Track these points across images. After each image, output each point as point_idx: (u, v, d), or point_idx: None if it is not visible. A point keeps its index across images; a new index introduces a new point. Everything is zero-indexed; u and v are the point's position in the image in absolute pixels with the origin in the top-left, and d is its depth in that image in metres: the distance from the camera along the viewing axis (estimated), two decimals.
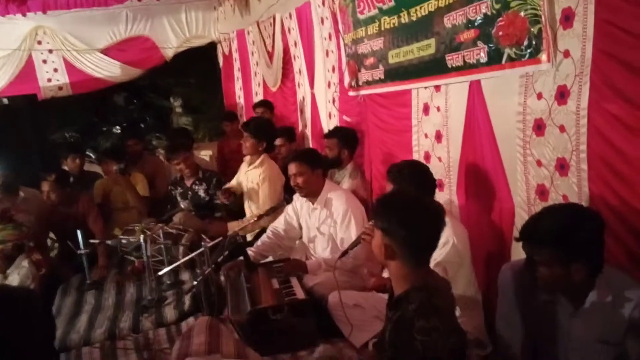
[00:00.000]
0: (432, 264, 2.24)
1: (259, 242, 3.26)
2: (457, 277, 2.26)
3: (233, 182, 4.12)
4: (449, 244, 2.24)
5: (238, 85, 7.21)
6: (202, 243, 2.71)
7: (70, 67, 6.84)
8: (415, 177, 2.37)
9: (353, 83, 3.69)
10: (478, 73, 2.34)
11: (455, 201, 2.76)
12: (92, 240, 3.56)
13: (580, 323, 1.66)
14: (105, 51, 6.87)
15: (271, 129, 4.18)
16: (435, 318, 1.46)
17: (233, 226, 3.68)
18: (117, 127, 10.57)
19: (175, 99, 10.58)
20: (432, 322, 1.45)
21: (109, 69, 6.82)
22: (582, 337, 1.66)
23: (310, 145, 4.76)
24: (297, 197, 3.24)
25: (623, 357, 1.61)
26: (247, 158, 4.03)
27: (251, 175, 3.92)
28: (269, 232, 3.31)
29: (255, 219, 3.25)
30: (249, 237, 3.76)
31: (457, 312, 2.22)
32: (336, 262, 2.42)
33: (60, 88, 6.89)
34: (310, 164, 3.00)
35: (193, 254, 2.83)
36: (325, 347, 2.37)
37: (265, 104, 5.37)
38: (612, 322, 1.59)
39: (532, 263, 1.65)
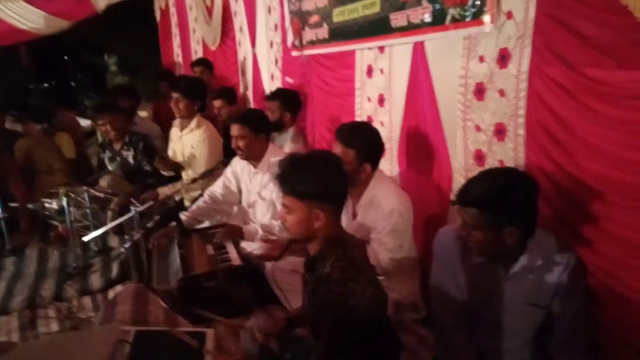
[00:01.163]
0: (382, 235, 2.23)
1: (194, 207, 3.12)
2: (403, 244, 2.25)
3: (169, 153, 3.92)
4: (394, 212, 2.20)
5: (176, 42, 6.86)
6: (132, 207, 2.56)
7: None
8: (366, 139, 2.28)
9: (297, 42, 3.55)
10: (422, 34, 2.28)
11: (396, 166, 2.73)
12: (11, 204, 3.31)
13: (511, 286, 1.67)
14: (30, 0, 6.30)
15: (204, 88, 3.95)
16: (350, 269, 1.45)
17: (164, 191, 3.50)
18: (46, 84, 9.92)
19: (110, 57, 10.01)
20: (347, 273, 1.43)
21: (32, 20, 6.26)
22: (512, 300, 1.67)
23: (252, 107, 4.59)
24: (237, 160, 3.11)
25: (548, 318, 1.65)
26: (178, 122, 3.80)
27: (188, 139, 3.71)
28: (205, 196, 3.17)
29: (189, 182, 3.09)
30: (187, 203, 3.62)
31: (397, 265, 2.23)
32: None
33: None
34: (255, 128, 2.85)
35: (121, 219, 2.67)
36: (260, 314, 2.31)
37: (203, 62, 5.12)
38: (541, 286, 1.62)
39: (466, 227, 1.63)
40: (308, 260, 1.60)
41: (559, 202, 1.74)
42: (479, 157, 2.10)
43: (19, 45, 8.79)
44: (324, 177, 1.53)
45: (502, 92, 1.94)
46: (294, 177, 1.54)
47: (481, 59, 2.02)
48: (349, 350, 1.41)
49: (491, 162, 2.04)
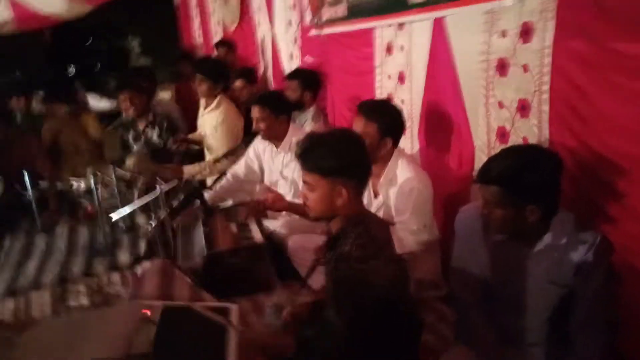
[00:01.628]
0: (405, 217, 2.24)
1: (217, 186, 3.17)
2: (426, 220, 2.25)
3: (196, 134, 3.97)
4: (414, 190, 2.20)
5: (196, 23, 6.87)
6: (157, 186, 2.61)
7: (14, 2, 6.30)
8: (388, 113, 2.29)
9: (315, 21, 3.52)
10: (441, 9, 2.25)
11: (416, 144, 2.72)
12: (41, 184, 3.41)
13: (532, 264, 1.66)
14: None
15: (225, 69, 3.99)
16: (372, 247, 1.44)
17: (189, 170, 3.56)
18: (72, 67, 10.06)
19: (133, 39, 10.09)
20: (369, 250, 1.43)
21: (54, 5, 6.31)
22: (533, 278, 1.66)
23: (272, 88, 4.60)
24: (259, 140, 3.14)
25: (569, 297, 1.64)
26: (203, 101, 3.85)
27: (208, 119, 3.76)
28: (228, 175, 3.21)
29: (212, 162, 3.13)
30: (209, 182, 3.66)
31: (424, 248, 2.23)
32: None
33: (4, 24, 6.38)
34: (275, 109, 2.87)
35: (147, 198, 2.73)
36: (283, 291, 2.35)
37: (226, 43, 5.13)
38: (563, 264, 1.60)
39: (487, 205, 1.63)
40: (330, 239, 1.60)
41: (583, 179, 1.72)
42: (502, 134, 2.08)
43: (43, 31, 8.91)
44: (345, 152, 1.53)
45: (525, 68, 1.90)
46: (315, 153, 1.53)
47: (503, 34, 1.98)
48: (370, 328, 1.41)
49: (514, 139, 2.01)
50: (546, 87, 1.83)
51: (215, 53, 5.06)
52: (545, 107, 1.85)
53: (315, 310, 1.82)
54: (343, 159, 1.52)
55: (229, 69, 4.09)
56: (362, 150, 1.58)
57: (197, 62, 3.99)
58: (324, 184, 1.52)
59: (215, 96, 3.71)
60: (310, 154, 1.55)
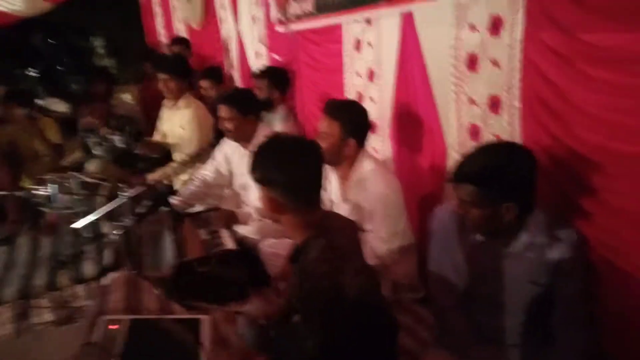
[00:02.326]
0: (375, 223, 2.17)
1: (185, 190, 3.07)
2: (397, 227, 2.20)
3: (157, 137, 3.82)
4: (382, 196, 2.15)
5: (159, 22, 6.69)
6: (122, 193, 2.51)
7: None
8: (352, 113, 2.25)
9: (281, 17, 3.44)
10: (409, 3, 2.20)
11: (387, 143, 2.67)
12: None
13: (510, 264, 1.64)
14: None
15: (188, 65, 3.83)
16: (337, 261, 1.40)
17: (154, 177, 3.45)
18: (33, 69, 9.72)
19: (96, 39, 9.81)
20: (334, 264, 1.38)
21: (11, 1, 6.08)
22: (512, 277, 1.64)
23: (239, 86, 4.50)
24: (226, 142, 3.04)
25: (548, 296, 1.62)
26: (166, 102, 3.71)
27: (177, 119, 3.62)
28: (196, 179, 3.11)
29: (177, 165, 3.02)
30: (177, 187, 3.56)
31: (396, 256, 2.19)
32: None
33: None
34: (242, 109, 2.76)
35: (112, 205, 2.62)
36: (256, 299, 2.28)
37: (182, 41, 4.99)
38: (541, 263, 1.58)
39: (462, 204, 1.59)
40: (291, 252, 1.55)
41: (557, 175, 1.70)
42: (474, 131, 2.05)
43: (2, 31, 8.60)
44: (275, 164, 1.47)
45: (495, 62, 1.87)
46: (256, 158, 1.51)
47: (472, 28, 1.94)
48: (343, 341, 1.37)
49: (487, 137, 1.98)
50: (517, 83, 1.80)
51: (171, 51, 4.91)
52: (517, 103, 1.82)
53: (286, 313, 1.77)
54: (268, 170, 1.47)
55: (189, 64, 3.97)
56: (307, 164, 1.49)
57: (158, 60, 3.82)
58: (262, 190, 1.51)
59: (183, 94, 3.59)
60: (254, 157, 1.51)
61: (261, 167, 1.48)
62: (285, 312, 1.77)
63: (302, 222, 1.50)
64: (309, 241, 1.47)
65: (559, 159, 1.67)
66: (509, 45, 1.79)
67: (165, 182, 3.47)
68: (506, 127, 1.88)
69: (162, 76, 3.51)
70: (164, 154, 3.66)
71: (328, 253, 1.41)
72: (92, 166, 3.48)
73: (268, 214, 1.54)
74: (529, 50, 1.73)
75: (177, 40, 5.00)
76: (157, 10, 6.61)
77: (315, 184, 1.51)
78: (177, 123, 3.61)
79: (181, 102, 3.56)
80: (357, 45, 2.76)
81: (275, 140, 1.60)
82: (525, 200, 1.54)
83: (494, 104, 1.92)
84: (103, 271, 2.73)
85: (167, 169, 3.48)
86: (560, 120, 1.65)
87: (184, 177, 3.53)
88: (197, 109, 3.57)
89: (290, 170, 1.45)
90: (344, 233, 1.55)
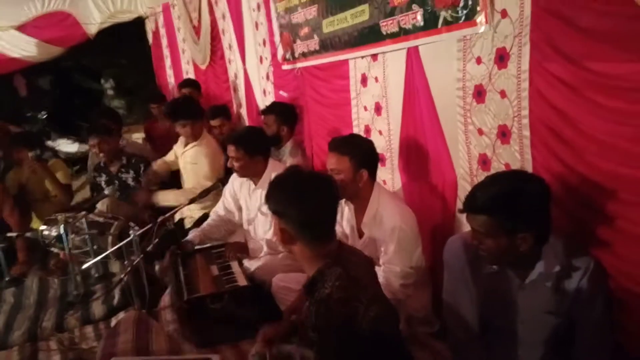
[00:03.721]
0: (389, 257, 2.15)
1: (205, 225, 3.08)
2: (412, 260, 2.18)
3: (165, 159, 3.92)
4: (396, 229, 2.14)
5: (167, 63, 6.85)
6: (130, 232, 2.50)
7: None
8: (359, 145, 2.27)
9: (288, 56, 3.51)
10: (415, 39, 2.23)
11: (397, 175, 2.67)
12: (8, 234, 3.25)
13: (527, 295, 1.60)
14: (21, 28, 6.28)
15: (199, 104, 3.97)
16: (352, 289, 1.39)
17: (163, 197, 3.53)
18: (43, 112, 9.89)
19: (107, 81, 10.02)
20: (350, 292, 1.37)
21: (25, 48, 6.27)
22: (529, 309, 1.61)
23: (247, 124, 4.56)
24: (235, 177, 3.06)
25: (567, 327, 1.58)
26: (183, 139, 3.79)
27: (189, 155, 3.69)
28: (213, 216, 3.14)
29: (188, 202, 3.02)
30: (187, 225, 3.56)
31: (410, 291, 2.16)
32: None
33: None
34: (250, 149, 2.77)
35: (120, 244, 2.61)
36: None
37: (192, 83, 5.07)
38: (559, 292, 1.55)
39: (476, 235, 1.57)
40: (306, 283, 1.52)
41: (571, 203, 1.68)
42: (484, 161, 2.04)
43: (15, 74, 8.80)
44: (287, 198, 1.48)
45: (503, 93, 1.88)
46: (270, 190, 1.53)
47: (478, 61, 1.96)
48: None
49: (497, 166, 1.98)
50: (525, 112, 1.81)
51: (181, 93, 5.01)
52: (526, 132, 1.82)
53: (291, 333, 1.79)
54: (283, 203, 1.49)
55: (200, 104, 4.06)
56: (311, 200, 1.48)
57: (171, 108, 3.92)
58: (275, 221, 1.52)
59: (201, 133, 3.67)
60: (270, 188, 1.54)
61: (276, 199, 1.50)
62: (293, 331, 1.79)
63: (314, 253, 1.49)
64: (324, 270, 1.46)
65: (571, 187, 1.66)
66: (516, 77, 1.81)
67: (178, 217, 3.50)
68: (516, 156, 1.88)
69: (179, 123, 3.64)
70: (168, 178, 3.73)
71: (344, 280, 1.40)
72: (102, 205, 3.48)
73: (281, 245, 1.54)
74: (536, 80, 1.74)
75: (187, 83, 5.09)
76: (166, 52, 6.77)
77: (329, 219, 1.52)
78: (188, 159, 3.67)
79: (199, 140, 3.66)
80: (364, 80, 2.80)
81: (293, 173, 1.62)
82: (540, 229, 1.52)
83: (504, 134, 1.92)
84: (112, 311, 2.70)
85: (177, 192, 3.56)
86: (571, 147, 1.65)
87: (194, 214, 3.54)
88: (209, 144, 3.66)
89: (304, 205, 1.46)
90: (360, 265, 1.54)
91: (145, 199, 3.61)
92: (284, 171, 1.60)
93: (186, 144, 3.74)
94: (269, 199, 1.52)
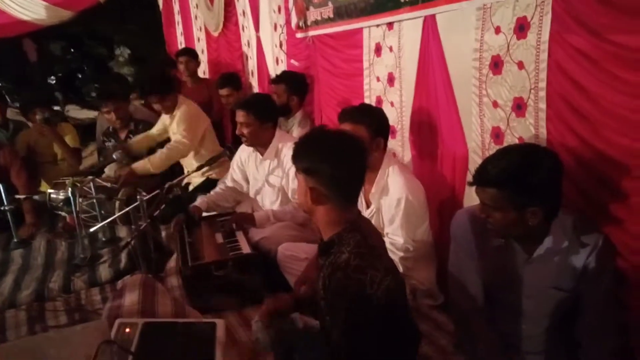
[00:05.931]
0: (393, 228, 2.14)
1: (212, 192, 3.09)
2: (416, 234, 2.16)
3: (150, 132, 3.89)
4: (402, 201, 2.11)
5: (179, 30, 6.76)
6: (138, 197, 2.50)
7: None
8: (373, 113, 2.23)
9: (301, 24, 3.44)
10: (432, 7, 2.16)
11: (407, 147, 2.64)
12: (17, 196, 3.27)
13: (534, 269, 1.58)
14: None
15: (163, 77, 4.00)
16: (370, 257, 1.36)
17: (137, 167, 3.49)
18: (53, 77, 9.88)
19: (118, 48, 9.96)
20: (367, 260, 1.35)
21: (34, 10, 6.17)
22: (535, 283, 1.59)
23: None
24: (242, 148, 3.04)
25: (573, 302, 1.56)
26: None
27: (175, 123, 3.70)
28: (221, 185, 3.15)
29: (194, 169, 3.02)
30: (191, 188, 3.57)
31: (410, 265, 2.15)
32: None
33: None
34: (260, 115, 2.74)
35: (127, 208, 2.61)
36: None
37: (188, 52, 5.02)
38: (566, 268, 1.53)
39: (485, 208, 1.54)
40: (322, 244, 1.51)
41: (584, 179, 1.64)
42: (497, 134, 2.00)
43: (24, 39, 8.74)
44: (320, 154, 1.44)
45: (520, 65, 1.83)
46: (298, 147, 1.49)
47: (497, 30, 1.90)
48: (367, 339, 1.33)
49: (510, 140, 1.93)
50: (543, 85, 1.75)
51: (178, 62, 4.97)
52: (543, 105, 1.77)
53: (295, 307, 1.78)
54: (316, 160, 1.44)
55: (167, 75, 4.13)
56: (345, 157, 1.45)
57: (140, 89, 3.94)
58: (300, 179, 1.48)
59: (175, 104, 3.68)
60: (300, 147, 1.49)
61: (308, 157, 1.45)
62: (295, 307, 1.78)
63: (337, 216, 1.46)
64: (342, 234, 1.44)
65: (586, 162, 1.62)
66: (535, 47, 1.75)
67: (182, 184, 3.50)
68: (531, 130, 1.83)
69: (151, 100, 3.74)
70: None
71: (363, 248, 1.38)
72: (110, 170, 3.49)
73: (305, 205, 1.50)
74: (556, 52, 1.68)
75: (184, 52, 5.03)
76: (178, 18, 6.68)
77: (359, 179, 1.49)
78: (174, 128, 3.69)
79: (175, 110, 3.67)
80: (377, 50, 2.74)
81: (323, 132, 1.60)
82: (551, 204, 1.49)
83: (519, 107, 1.87)
84: (119, 275, 2.72)
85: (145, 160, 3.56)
86: (588, 122, 1.60)
87: (198, 180, 3.54)
88: (187, 108, 3.68)
89: (339, 160, 1.42)
90: (375, 236, 1.52)
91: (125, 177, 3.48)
92: (312, 130, 1.56)
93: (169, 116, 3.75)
94: (298, 156, 1.48)
